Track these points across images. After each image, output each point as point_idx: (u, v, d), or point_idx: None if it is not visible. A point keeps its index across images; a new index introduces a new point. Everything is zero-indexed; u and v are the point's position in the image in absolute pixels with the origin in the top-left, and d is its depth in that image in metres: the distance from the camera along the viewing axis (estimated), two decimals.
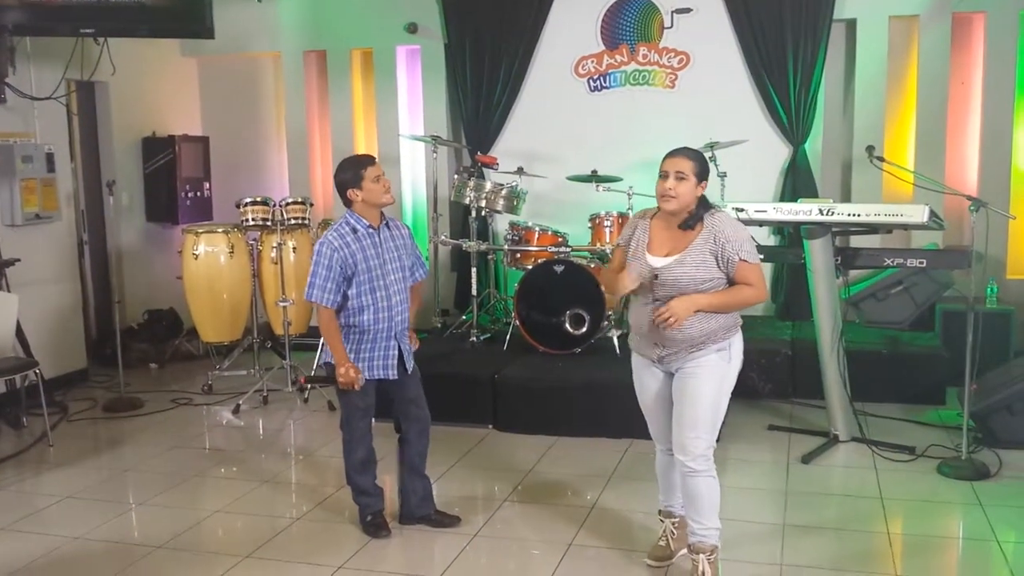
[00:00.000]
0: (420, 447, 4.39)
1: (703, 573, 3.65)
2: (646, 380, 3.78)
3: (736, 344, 3.65)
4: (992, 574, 3.90)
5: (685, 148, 3.64)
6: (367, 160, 4.16)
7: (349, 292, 4.07)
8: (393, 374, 4.20)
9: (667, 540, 3.97)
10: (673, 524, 3.97)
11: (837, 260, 5.30)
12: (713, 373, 3.57)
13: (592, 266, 6.38)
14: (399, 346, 4.21)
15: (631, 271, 3.57)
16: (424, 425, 4.38)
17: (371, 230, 4.13)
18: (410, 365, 4.28)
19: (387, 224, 4.20)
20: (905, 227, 5.47)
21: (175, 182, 8.03)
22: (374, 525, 4.33)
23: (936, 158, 7.01)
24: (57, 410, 6.34)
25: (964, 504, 4.55)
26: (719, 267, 3.51)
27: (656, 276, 3.54)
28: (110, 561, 4.14)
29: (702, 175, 3.56)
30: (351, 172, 4.10)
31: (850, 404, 5.43)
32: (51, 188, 6.83)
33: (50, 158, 6.82)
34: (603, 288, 3.78)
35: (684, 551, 3.87)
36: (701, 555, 3.66)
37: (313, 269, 4.07)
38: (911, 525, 4.41)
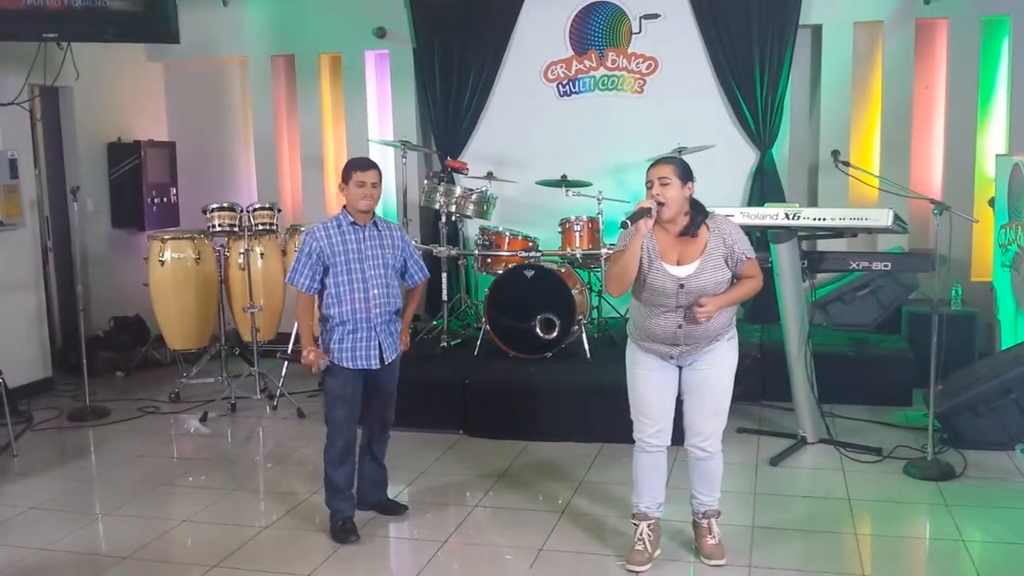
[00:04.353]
0: (379, 436, 4.56)
1: (716, 532, 4.02)
2: (657, 376, 3.90)
3: (735, 329, 3.99)
4: (958, 573, 3.94)
5: (663, 156, 3.92)
6: (361, 164, 4.35)
7: (327, 281, 4.25)
8: (374, 364, 4.31)
9: (644, 544, 3.98)
10: (649, 527, 4.00)
11: (803, 264, 5.35)
12: (727, 361, 3.91)
13: (563, 270, 6.39)
14: (379, 338, 4.30)
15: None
16: (385, 424, 4.54)
17: (355, 226, 4.29)
18: (388, 357, 4.36)
19: (375, 223, 4.35)
20: (870, 231, 5.54)
21: (141, 188, 7.96)
22: (344, 531, 4.33)
23: (901, 162, 7.09)
24: (22, 419, 6.25)
25: (930, 504, 4.59)
26: (728, 267, 3.81)
27: (682, 285, 3.74)
28: (76, 572, 4.09)
29: (685, 176, 3.78)
30: (345, 170, 4.33)
31: (818, 406, 5.47)
32: (15, 194, 6.73)
33: (13, 164, 6.72)
34: (607, 282, 3.92)
35: (658, 552, 4.01)
36: (712, 519, 4.02)
37: (297, 256, 4.30)
38: (878, 526, 4.45)
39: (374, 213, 4.37)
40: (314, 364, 4.26)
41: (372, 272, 4.28)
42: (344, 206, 4.33)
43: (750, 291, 3.88)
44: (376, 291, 4.28)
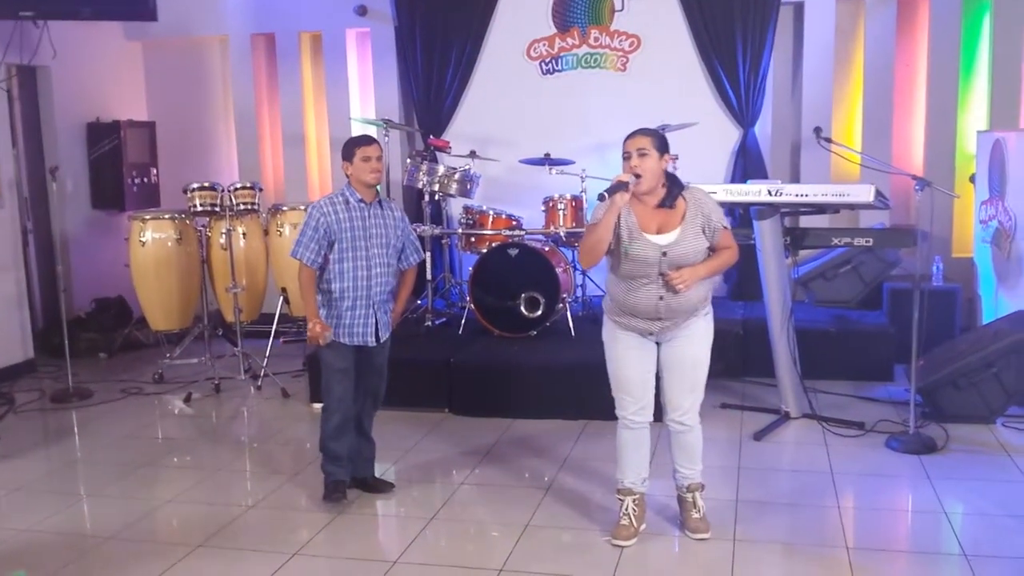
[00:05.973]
0: (370, 411, 4.62)
1: (700, 505, 4.04)
2: (637, 354, 3.90)
3: (711, 305, 3.98)
4: (940, 545, 3.98)
5: (640, 128, 3.85)
6: (363, 140, 4.41)
7: (331, 257, 4.30)
8: (371, 341, 4.39)
9: (630, 519, 4.00)
10: (634, 502, 4.02)
11: (786, 240, 5.37)
12: (705, 336, 3.93)
13: (547, 249, 6.39)
14: (376, 316, 4.38)
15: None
16: (377, 397, 4.60)
17: (361, 204, 4.34)
18: (383, 335, 4.45)
19: (380, 203, 4.42)
20: (852, 207, 5.56)
21: (121, 168, 7.90)
22: (333, 489, 4.44)
23: (882, 139, 7.12)
24: (3, 402, 6.21)
25: (912, 477, 4.64)
26: (705, 237, 3.80)
27: (664, 254, 3.74)
28: (60, 553, 4.07)
29: (662, 148, 3.77)
30: (347, 148, 4.39)
31: (800, 382, 5.51)
32: None
33: None
34: (580, 254, 3.90)
35: (643, 526, 4.03)
36: (696, 492, 4.04)
37: (302, 229, 4.33)
38: (861, 499, 4.48)
39: (378, 191, 4.43)
40: (321, 336, 4.30)
41: (376, 251, 4.34)
42: (348, 183, 4.37)
43: (726, 262, 3.90)
44: (378, 269, 4.36)
